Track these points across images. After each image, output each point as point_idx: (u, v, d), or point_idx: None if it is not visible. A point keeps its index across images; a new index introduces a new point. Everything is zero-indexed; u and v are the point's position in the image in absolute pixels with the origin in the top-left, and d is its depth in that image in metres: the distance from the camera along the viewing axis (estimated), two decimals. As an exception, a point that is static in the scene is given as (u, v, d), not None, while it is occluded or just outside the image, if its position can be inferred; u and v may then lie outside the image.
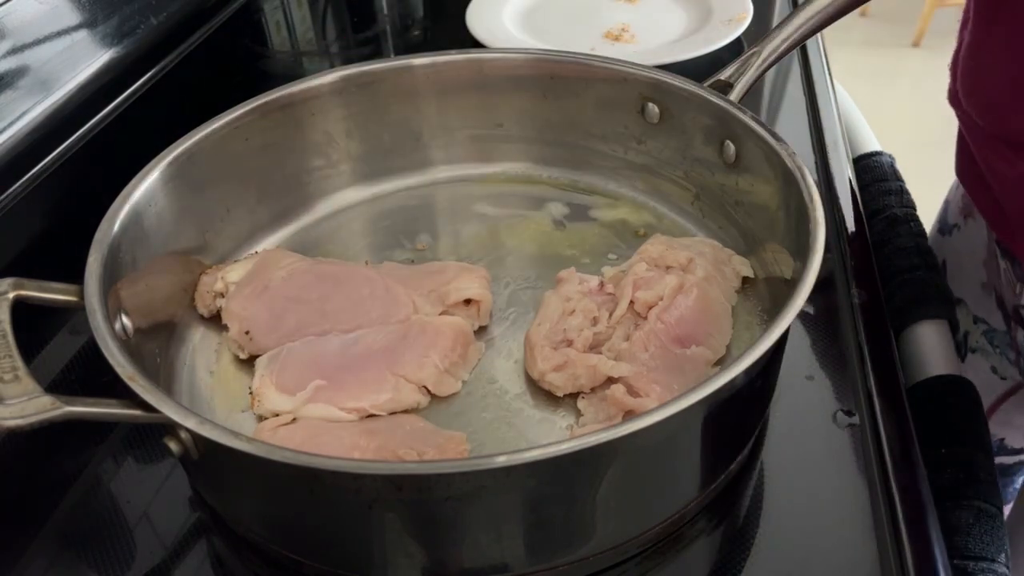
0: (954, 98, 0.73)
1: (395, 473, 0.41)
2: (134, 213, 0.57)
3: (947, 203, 0.88)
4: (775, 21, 1.08)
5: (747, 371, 0.42)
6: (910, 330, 0.69)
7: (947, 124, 0.79)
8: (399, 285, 0.62)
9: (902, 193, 0.82)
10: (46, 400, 0.42)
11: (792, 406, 0.56)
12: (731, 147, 0.64)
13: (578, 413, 0.55)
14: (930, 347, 0.67)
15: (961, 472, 0.57)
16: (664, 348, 0.56)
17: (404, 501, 0.42)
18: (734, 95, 0.65)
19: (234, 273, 0.63)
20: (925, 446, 0.54)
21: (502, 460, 0.39)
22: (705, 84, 0.66)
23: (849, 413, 0.55)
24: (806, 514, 0.51)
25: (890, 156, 0.88)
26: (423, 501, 0.42)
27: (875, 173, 0.85)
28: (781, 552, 0.49)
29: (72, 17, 0.78)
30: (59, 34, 0.76)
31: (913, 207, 0.80)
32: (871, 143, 0.92)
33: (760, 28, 1.03)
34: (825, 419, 0.55)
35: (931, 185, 1.02)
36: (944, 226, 0.87)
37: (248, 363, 0.60)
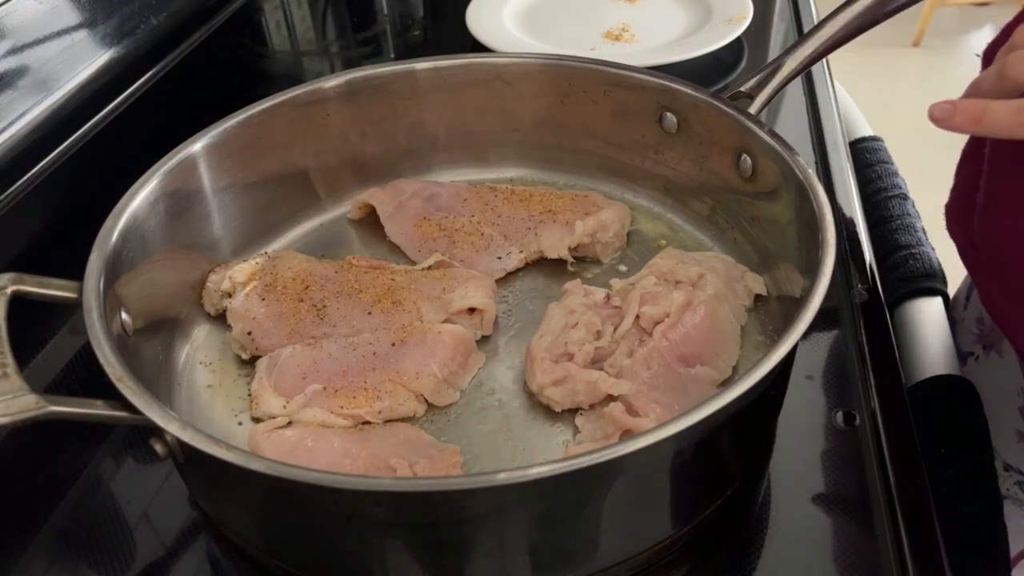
0: (968, 249, 0.61)
1: (373, 489, 0.40)
2: (138, 213, 0.57)
3: (953, 321, 0.74)
4: (775, 21, 1.08)
5: (748, 393, 0.41)
6: (906, 305, 0.68)
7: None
8: (404, 290, 0.62)
9: (898, 175, 0.81)
10: (30, 399, 0.42)
11: (792, 406, 0.56)
12: (748, 161, 0.62)
13: (576, 429, 0.54)
14: (930, 346, 0.67)
15: (961, 472, 0.57)
16: (668, 367, 0.54)
17: (382, 516, 0.41)
18: (753, 108, 0.63)
19: (241, 273, 0.63)
20: (925, 446, 0.54)
21: (482, 480, 0.39)
22: (725, 95, 0.64)
23: (849, 413, 0.55)
24: (806, 514, 0.51)
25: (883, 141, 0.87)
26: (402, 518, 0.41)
27: (874, 156, 0.84)
28: (781, 552, 0.49)
29: (72, 17, 0.78)
30: (59, 34, 0.76)
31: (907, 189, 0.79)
32: (864, 128, 0.92)
33: (760, 28, 1.03)
34: (825, 419, 0.55)
35: (931, 185, 1.02)
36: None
37: (251, 363, 0.60)
